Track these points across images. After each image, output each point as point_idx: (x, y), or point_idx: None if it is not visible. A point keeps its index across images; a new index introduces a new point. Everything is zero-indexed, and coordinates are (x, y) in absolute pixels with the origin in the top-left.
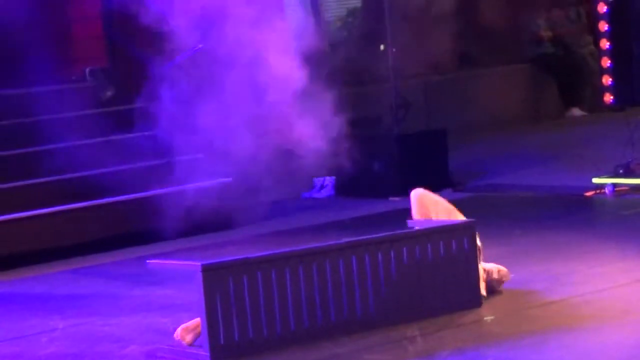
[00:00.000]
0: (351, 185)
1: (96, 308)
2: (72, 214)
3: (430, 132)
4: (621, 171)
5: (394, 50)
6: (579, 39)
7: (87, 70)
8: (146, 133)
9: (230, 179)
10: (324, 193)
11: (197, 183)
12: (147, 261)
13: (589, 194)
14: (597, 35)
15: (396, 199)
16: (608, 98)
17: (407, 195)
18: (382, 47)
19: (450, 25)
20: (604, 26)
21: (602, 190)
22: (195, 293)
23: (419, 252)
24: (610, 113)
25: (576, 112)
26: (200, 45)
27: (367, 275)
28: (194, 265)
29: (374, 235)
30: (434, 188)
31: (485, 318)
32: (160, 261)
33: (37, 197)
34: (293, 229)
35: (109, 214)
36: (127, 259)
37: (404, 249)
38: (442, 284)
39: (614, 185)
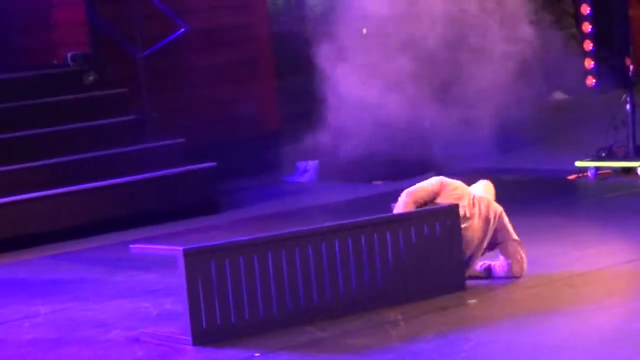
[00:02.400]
0: (334, 170)
1: (78, 293)
2: (53, 200)
3: (412, 115)
4: (604, 154)
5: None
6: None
7: (69, 55)
8: (127, 118)
9: (214, 163)
10: (307, 177)
11: (181, 167)
12: (130, 246)
13: (571, 177)
14: (579, 18)
15: (379, 182)
16: (590, 81)
17: (391, 179)
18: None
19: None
20: (586, 9)
21: (585, 174)
22: (177, 277)
23: (402, 236)
24: (592, 96)
25: (559, 95)
26: (183, 29)
27: (349, 259)
28: (176, 249)
29: (356, 220)
30: (418, 172)
31: (468, 301)
32: (143, 246)
33: (17, 183)
34: (276, 213)
35: (90, 199)
36: (109, 244)
37: (387, 232)
38: (426, 267)
39: (597, 168)
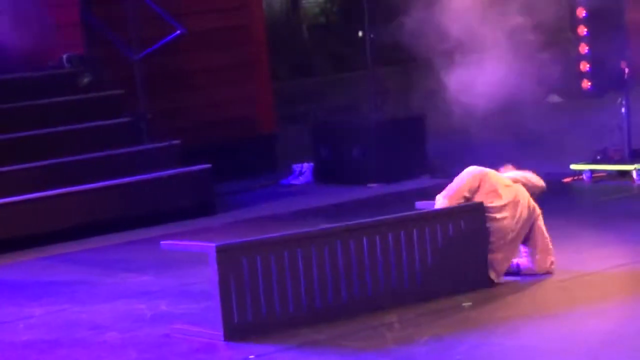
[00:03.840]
0: (329, 172)
1: (73, 295)
2: (48, 201)
3: (409, 118)
4: (599, 157)
5: (371, 36)
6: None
7: (65, 56)
8: (122, 119)
9: (209, 165)
10: (302, 179)
11: (176, 169)
12: (161, 242)
13: (567, 180)
14: (574, 22)
15: (374, 185)
16: (586, 84)
17: (386, 181)
18: (360, 33)
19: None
20: (581, 12)
21: (580, 177)
22: (209, 273)
23: (429, 233)
24: (588, 99)
25: (554, 98)
26: (179, 31)
27: (377, 256)
28: (209, 246)
29: (384, 217)
30: (412, 174)
31: (463, 304)
32: (174, 242)
33: (12, 184)
34: (272, 215)
35: (85, 201)
36: (104, 245)
37: (415, 230)
38: (452, 265)
39: (592, 171)
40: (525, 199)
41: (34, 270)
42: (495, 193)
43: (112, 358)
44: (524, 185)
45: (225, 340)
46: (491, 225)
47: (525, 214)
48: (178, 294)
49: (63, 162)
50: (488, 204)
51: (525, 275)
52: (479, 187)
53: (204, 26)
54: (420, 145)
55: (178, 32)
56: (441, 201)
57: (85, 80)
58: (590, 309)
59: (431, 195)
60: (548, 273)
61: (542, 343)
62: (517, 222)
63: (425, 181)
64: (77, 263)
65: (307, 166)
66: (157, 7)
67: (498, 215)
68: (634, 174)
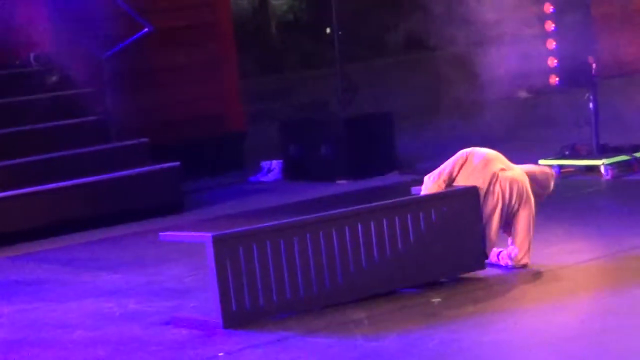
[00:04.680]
0: (298, 169)
1: (42, 294)
2: (16, 200)
3: (377, 115)
4: (567, 153)
5: (340, 33)
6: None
7: (32, 55)
8: (90, 118)
9: (178, 163)
10: (271, 177)
11: (144, 168)
12: (160, 234)
13: None
14: (542, 17)
15: (343, 182)
16: (554, 80)
17: (354, 178)
18: (328, 30)
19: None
20: (549, 8)
21: None
22: (207, 263)
23: (423, 218)
24: (556, 95)
25: (522, 94)
26: (147, 29)
27: (372, 242)
28: (205, 236)
29: (379, 203)
30: (381, 171)
31: (432, 300)
32: (172, 233)
33: None
34: (241, 213)
35: (54, 199)
36: (73, 244)
37: (409, 215)
38: (447, 248)
39: (560, 166)
40: (513, 192)
41: (2, 269)
42: (474, 174)
43: (81, 356)
44: (531, 179)
45: (224, 328)
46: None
47: (504, 204)
48: (147, 292)
49: (31, 161)
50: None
51: (501, 266)
52: (461, 167)
53: (171, 24)
54: (389, 142)
55: (146, 30)
56: (425, 182)
57: (53, 78)
58: (558, 303)
59: (400, 192)
60: (522, 267)
61: (511, 337)
62: (495, 204)
63: (394, 177)
64: (45, 262)
65: (275, 163)
66: (124, 5)
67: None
68: (602, 169)
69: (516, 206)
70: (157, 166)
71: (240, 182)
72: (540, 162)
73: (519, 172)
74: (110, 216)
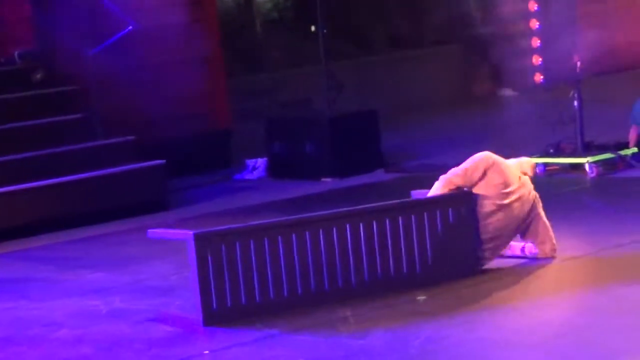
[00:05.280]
0: (283, 167)
1: (26, 292)
2: (1, 198)
3: (362, 113)
4: (552, 151)
5: (324, 31)
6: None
7: (17, 53)
8: (76, 115)
9: (163, 161)
10: (256, 175)
11: (130, 165)
12: (148, 230)
13: None
14: (527, 15)
15: (328, 179)
16: (538, 78)
17: (340, 176)
18: (312, 28)
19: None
20: (533, 6)
21: None
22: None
23: (415, 222)
24: (540, 93)
25: (507, 92)
26: (131, 27)
27: (360, 243)
28: (187, 233)
29: (368, 205)
30: (366, 169)
31: (417, 298)
32: (160, 230)
33: None
34: (226, 211)
35: (39, 197)
36: (58, 242)
37: (400, 218)
38: (441, 252)
39: (545, 164)
40: (528, 189)
41: None
42: (504, 182)
43: (66, 354)
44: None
45: (204, 325)
46: (498, 213)
47: (527, 206)
48: (133, 290)
49: (15, 159)
50: (497, 191)
51: (529, 258)
52: (484, 175)
53: (157, 22)
54: (374, 140)
55: (130, 27)
56: (436, 185)
57: (38, 76)
58: (543, 301)
59: (385, 189)
60: (551, 257)
61: (497, 335)
62: (520, 211)
63: (379, 175)
64: (30, 260)
65: (261, 161)
66: (109, 3)
67: (506, 201)
68: (587, 167)
69: (529, 220)
70: (143, 164)
71: (226, 180)
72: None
73: (526, 182)
74: (95, 214)
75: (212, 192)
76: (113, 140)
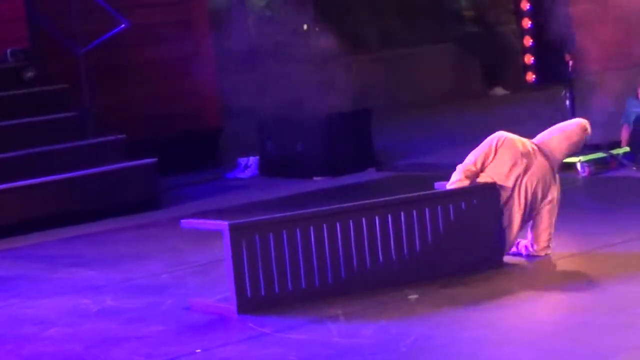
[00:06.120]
0: (275, 165)
1: (18, 290)
2: None
3: (355, 112)
4: None
5: (317, 29)
6: (501, 18)
7: (9, 51)
8: (68, 114)
9: (155, 159)
10: (248, 173)
11: (121, 164)
12: (181, 220)
13: None
14: (519, 14)
15: (320, 178)
16: (530, 77)
17: (331, 175)
18: (305, 26)
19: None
20: (526, 5)
21: None
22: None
23: (441, 213)
24: (532, 91)
25: (499, 91)
26: (123, 25)
27: (389, 234)
28: (222, 224)
29: (394, 197)
30: (358, 167)
31: (408, 297)
32: (193, 221)
33: None
34: (218, 209)
35: (31, 195)
36: (50, 240)
37: (426, 209)
38: (465, 243)
39: None
40: (544, 172)
41: None
42: (514, 159)
43: (57, 352)
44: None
45: (238, 313)
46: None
47: (539, 188)
48: (124, 289)
49: (7, 157)
50: (507, 170)
51: (523, 256)
52: (495, 154)
53: (148, 19)
54: (365, 139)
55: (122, 25)
56: (456, 172)
57: (30, 74)
58: (535, 299)
59: (376, 188)
60: (544, 255)
61: (488, 334)
62: (526, 193)
63: (371, 174)
64: (21, 258)
65: (252, 160)
66: (101, 1)
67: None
68: (578, 166)
69: (539, 203)
70: (134, 162)
71: (217, 178)
72: None
73: (541, 162)
74: (86, 212)
75: (204, 190)
76: (104, 139)
